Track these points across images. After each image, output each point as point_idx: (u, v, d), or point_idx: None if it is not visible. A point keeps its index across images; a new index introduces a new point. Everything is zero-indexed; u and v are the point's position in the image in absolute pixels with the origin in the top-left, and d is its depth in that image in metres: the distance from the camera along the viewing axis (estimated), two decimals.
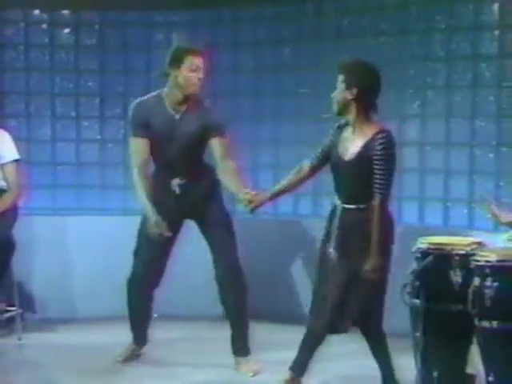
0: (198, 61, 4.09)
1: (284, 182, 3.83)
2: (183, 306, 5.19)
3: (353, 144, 3.61)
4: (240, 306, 4.18)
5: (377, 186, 3.54)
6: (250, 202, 3.77)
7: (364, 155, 3.54)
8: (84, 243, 5.38)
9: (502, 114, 4.68)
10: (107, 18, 5.60)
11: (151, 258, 4.17)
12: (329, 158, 3.70)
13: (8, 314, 4.80)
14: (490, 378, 3.53)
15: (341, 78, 3.62)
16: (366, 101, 3.57)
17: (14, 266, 4.77)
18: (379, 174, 3.50)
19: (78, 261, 5.40)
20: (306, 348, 3.72)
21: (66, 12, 5.57)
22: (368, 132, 3.58)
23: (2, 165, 4.71)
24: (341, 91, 3.61)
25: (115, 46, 5.61)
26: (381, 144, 3.54)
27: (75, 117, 5.62)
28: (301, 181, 3.80)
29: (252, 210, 3.79)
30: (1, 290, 4.75)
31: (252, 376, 4.16)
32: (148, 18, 5.63)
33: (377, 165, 3.50)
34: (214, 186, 4.20)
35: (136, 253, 4.23)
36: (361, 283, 3.55)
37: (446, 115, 4.87)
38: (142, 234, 4.18)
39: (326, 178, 5.10)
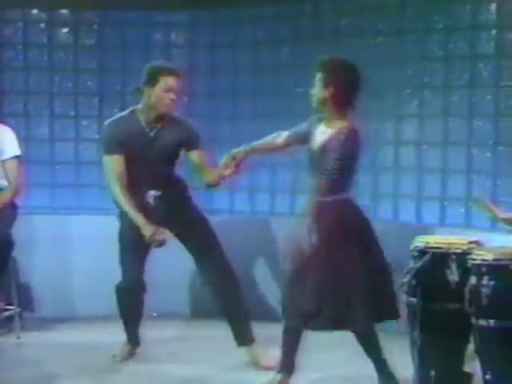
0: (172, 81, 4.12)
1: (259, 142, 3.93)
2: (179, 304, 5.20)
3: (322, 137, 3.68)
4: (238, 304, 4.21)
5: (323, 171, 3.60)
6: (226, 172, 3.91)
7: (326, 148, 3.60)
8: (83, 242, 5.39)
9: (500, 114, 4.68)
10: (106, 18, 5.60)
11: (134, 265, 4.21)
12: (302, 140, 3.78)
13: (7, 313, 4.80)
14: (487, 377, 3.53)
15: (319, 75, 3.67)
16: (343, 100, 3.58)
17: (13, 264, 4.78)
18: (330, 162, 3.56)
19: (77, 260, 5.41)
20: (289, 347, 3.74)
21: (64, 11, 5.57)
22: (337, 127, 3.62)
23: (3, 161, 4.71)
24: (318, 89, 3.64)
25: (114, 45, 5.60)
26: (341, 140, 3.58)
27: (74, 116, 5.62)
28: (274, 146, 3.91)
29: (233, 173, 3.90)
30: (0, 288, 4.76)
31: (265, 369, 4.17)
32: (147, 17, 5.63)
33: (332, 155, 3.56)
34: (186, 193, 4.27)
35: (121, 262, 4.26)
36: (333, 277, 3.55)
37: (443, 115, 4.87)
38: (122, 242, 4.26)
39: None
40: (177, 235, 4.25)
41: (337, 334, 4.60)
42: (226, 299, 4.19)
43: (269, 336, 4.13)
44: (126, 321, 4.31)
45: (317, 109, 3.71)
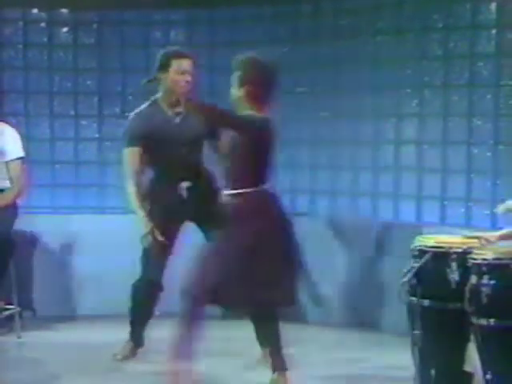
0: (185, 63, 4.13)
1: None
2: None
3: None
4: (272, 334, 4.06)
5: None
6: None
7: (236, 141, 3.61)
8: (83, 242, 5.38)
9: (500, 113, 4.68)
10: (105, 17, 5.60)
11: (156, 263, 4.17)
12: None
13: (7, 313, 4.79)
14: (488, 376, 3.52)
15: (236, 74, 3.69)
16: (259, 97, 3.62)
17: (13, 264, 4.76)
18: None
19: (77, 259, 5.40)
20: (273, 340, 3.76)
21: (64, 11, 5.57)
22: None
23: (7, 162, 4.71)
24: (235, 88, 3.68)
25: (113, 44, 5.60)
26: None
27: (74, 115, 5.61)
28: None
29: None
30: (0, 288, 4.74)
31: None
32: (146, 16, 5.62)
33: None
34: (215, 185, 4.21)
35: (142, 258, 4.23)
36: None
37: (443, 114, 4.87)
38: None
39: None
40: (201, 228, 4.22)
41: (337, 336, 4.65)
42: (264, 333, 4.05)
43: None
44: (134, 319, 4.29)
45: (235, 106, 3.72)
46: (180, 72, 4.11)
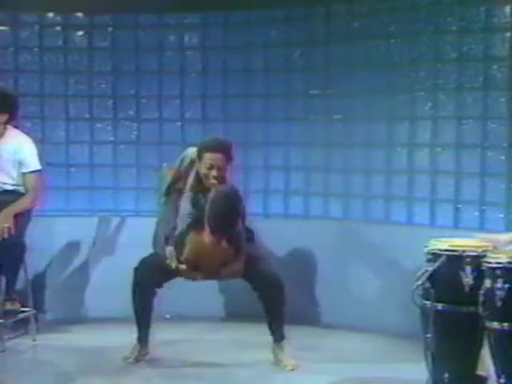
0: (214, 158, 4.17)
1: None
2: (191, 306, 5.19)
3: None
4: (282, 305, 4.28)
5: None
6: None
7: None
8: (97, 244, 5.40)
9: None
10: (120, 21, 5.60)
11: (157, 277, 4.26)
12: None
13: (22, 315, 4.80)
14: (502, 380, 3.51)
15: None
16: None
17: (28, 267, 4.79)
18: None
19: (91, 262, 5.41)
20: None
21: (79, 15, 5.58)
22: None
23: (24, 173, 4.76)
24: None
25: (128, 48, 5.60)
26: None
27: (89, 118, 5.61)
28: None
29: None
30: (15, 290, 4.76)
31: (290, 370, 4.23)
32: (160, 20, 5.62)
33: None
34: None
35: (144, 260, 4.29)
36: None
37: (457, 117, 4.84)
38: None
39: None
40: None
41: (350, 340, 4.66)
42: (272, 303, 4.24)
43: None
44: (137, 315, 4.33)
45: None
46: (208, 167, 4.16)
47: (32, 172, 4.77)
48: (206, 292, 5.26)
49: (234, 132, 5.42)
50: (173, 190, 4.32)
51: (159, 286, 4.30)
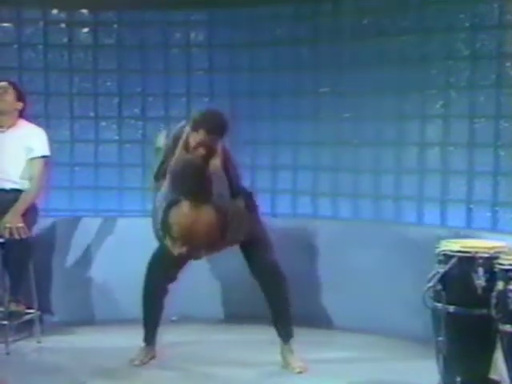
0: (209, 138, 4.11)
1: None
2: (197, 308, 5.20)
3: None
4: (287, 301, 4.27)
5: None
6: None
7: None
8: (102, 245, 5.40)
9: None
10: (125, 18, 5.59)
11: (170, 269, 4.26)
12: None
13: (27, 317, 4.81)
14: None
15: None
16: None
17: (33, 268, 4.79)
18: None
19: (97, 263, 5.41)
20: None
21: (84, 11, 5.57)
22: None
23: (31, 159, 4.77)
24: None
25: (133, 45, 5.58)
26: None
27: (93, 117, 5.59)
28: None
29: None
30: (20, 292, 4.78)
31: (298, 372, 4.23)
32: (166, 17, 5.60)
33: None
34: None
35: (155, 255, 4.28)
36: None
37: (469, 115, 4.82)
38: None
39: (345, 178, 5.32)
40: None
41: (357, 342, 4.65)
42: (276, 296, 4.24)
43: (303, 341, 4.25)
44: (145, 309, 4.33)
45: None
46: (201, 143, 4.11)
47: (39, 158, 4.78)
48: (212, 293, 5.30)
49: (242, 130, 5.42)
50: (162, 175, 4.27)
51: (173, 278, 4.29)
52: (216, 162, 4.12)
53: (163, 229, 4.03)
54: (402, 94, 5.05)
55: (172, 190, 4.01)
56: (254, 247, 4.25)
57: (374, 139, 5.21)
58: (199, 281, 5.11)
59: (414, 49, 5.00)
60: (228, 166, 4.20)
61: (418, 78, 4.97)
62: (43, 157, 4.83)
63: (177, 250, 3.99)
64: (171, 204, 4.00)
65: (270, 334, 4.36)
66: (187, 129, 4.19)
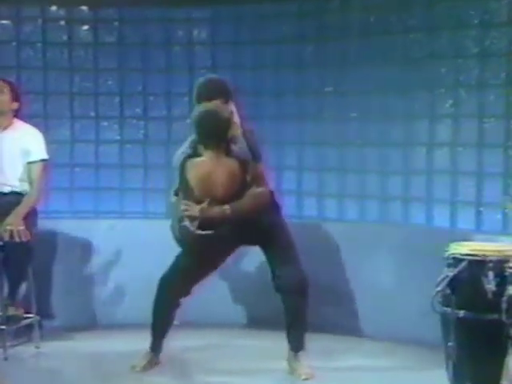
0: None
1: None
2: (204, 313, 5.17)
3: None
4: (305, 311, 4.27)
5: None
6: None
7: None
8: (103, 248, 5.39)
9: None
10: (126, 15, 5.58)
11: (190, 269, 4.22)
12: None
13: (25, 321, 4.79)
14: None
15: None
16: None
17: (32, 271, 4.77)
18: None
19: (98, 266, 5.40)
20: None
21: (84, 8, 5.56)
22: None
23: (30, 163, 4.76)
24: None
25: (135, 43, 5.58)
26: None
27: (94, 117, 5.59)
28: None
29: None
30: (19, 296, 4.77)
31: (304, 379, 4.23)
32: (168, 14, 5.60)
33: None
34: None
35: (177, 257, 4.26)
36: None
37: (478, 115, 4.80)
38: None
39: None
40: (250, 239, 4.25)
41: (365, 347, 4.61)
42: (295, 311, 4.24)
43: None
44: (155, 318, 4.34)
45: None
46: None
47: (37, 162, 4.78)
48: (221, 297, 5.30)
49: None
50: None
51: (188, 293, 4.30)
52: (235, 132, 4.15)
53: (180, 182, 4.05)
54: (410, 93, 5.04)
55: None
56: (277, 258, 4.25)
57: (381, 139, 5.20)
58: (211, 285, 5.01)
59: (422, 47, 4.99)
60: (247, 135, 4.22)
61: (426, 77, 4.95)
62: (42, 160, 4.82)
63: (199, 207, 3.97)
64: (190, 155, 4.04)
65: (280, 340, 4.34)
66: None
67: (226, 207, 4.04)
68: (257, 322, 5.26)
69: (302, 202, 5.51)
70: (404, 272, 4.94)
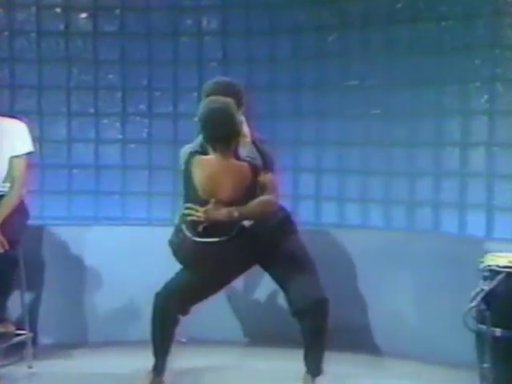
0: None
1: None
2: (213, 329, 5.21)
3: None
4: (324, 333, 4.23)
5: None
6: None
7: None
8: (103, 258, 5.37)
9: None
10: (129, 2, 5.61)
11: (188, 286, 4.19)
12: None
13: (17, 339, 4.77)
14: None
15: None
16: None
17: (23, 284, 4.78)
18: None
19: (95, 279, 5.39)
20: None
21: None
22: None
23: (13, 157, 4.71)
24: None
25: (138, 33, 5.60)
26: None
27: (94, 114, 5.60)
28: None
29: None
30: (6, 311, 4.75)
31: None
32: (175, 1, 5.63)
33: None
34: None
35: (168, 285, 4.24)
36: None
37: None
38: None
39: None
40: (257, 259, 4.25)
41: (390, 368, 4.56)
42: (314, 336, 4.20)
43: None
44: (154, 337, 4.30)
45: None
46: None
47: (22, 155, 4.72)
48: (229, 313, 5.33)
49: (259, 129, 5.34)
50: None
51: (185, 312, 4.27)
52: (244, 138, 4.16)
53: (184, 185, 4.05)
54: (441, 88, 5.02)
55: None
56: (290, 279, 4.20)
57: (409, 138, 5.19)
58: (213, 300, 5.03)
59: (456, 36, 4.97)
60: (259, 144, 4.22)
61: (459, 69, 4.93)
62: (27, 153, 4.76)
63: (206, 208, 3.96)
64: (195, 153, 4.05)
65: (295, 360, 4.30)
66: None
67: (233, 209, 4.00)
68: (263, 339, 5.25)
69: (320, 208, 5.52)
70: (433, 285, 4.91)
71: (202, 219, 3.96)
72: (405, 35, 5.09)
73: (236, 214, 3.99)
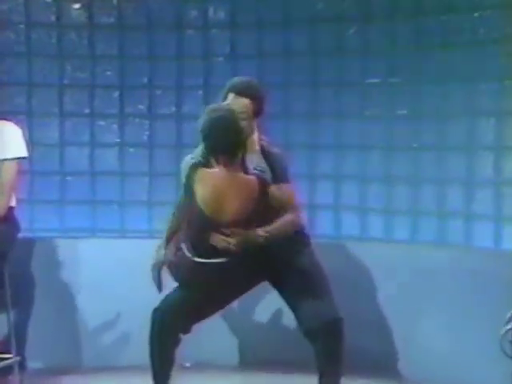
0: (237, 102, 4.13)
1: None
2: (217, 353, 5.19)
3: None
4: (339, 358, 4.14)
5: None
6: None
7: None
8: (98, 274, 5.32)
9: None
10: None
11: (187, 304, 4.09)
12: None
13: (3, 363, 4.70)
14: None
15: None
16: None
17: (10, 304, 4.68)
18: None
19: (90, 297, 5.33)
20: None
21: None
22: None
23: (2, 160, 4.62)
24: None
25: (138, 25, 5.56)
26: None
27: (89, 114, 5.56)
28: None
29: None
30: None
31: None
32: None
33: None
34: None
35: (168, 299, 4.15)
36: None
37: None
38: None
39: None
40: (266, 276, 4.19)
41: None
42: (327, 350, 4.09)
43: None
44: (152, 358, 4.17)
45: None
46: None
47: (14, 159, 4.64)
48: (234, 335, 5.30)
49: (271, 131, 5.16)
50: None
51: (187, 330, 4.17)
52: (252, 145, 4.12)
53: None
54: (475, 86, 4.94)
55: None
56: (304, 298, 4.09)
57: (438, 142, 5.13)
58: (216, 322, 4.97)
59: (491, 28, 4.86)
60: (270, 155, 4.16)
61: (495, 64, 4.82)
62: (18, 158, 4.68)
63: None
64: (198, 165, 4.01)
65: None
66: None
67: (262, 231, 3.99)
68: (266, 362, 5.21)
69: (340, 218, 5.49)
70: (465, 304, 4.85)
71: (235, 248, 3.93)
72: (434, 27, 5.05)
73: (262, 239, 3.98)
